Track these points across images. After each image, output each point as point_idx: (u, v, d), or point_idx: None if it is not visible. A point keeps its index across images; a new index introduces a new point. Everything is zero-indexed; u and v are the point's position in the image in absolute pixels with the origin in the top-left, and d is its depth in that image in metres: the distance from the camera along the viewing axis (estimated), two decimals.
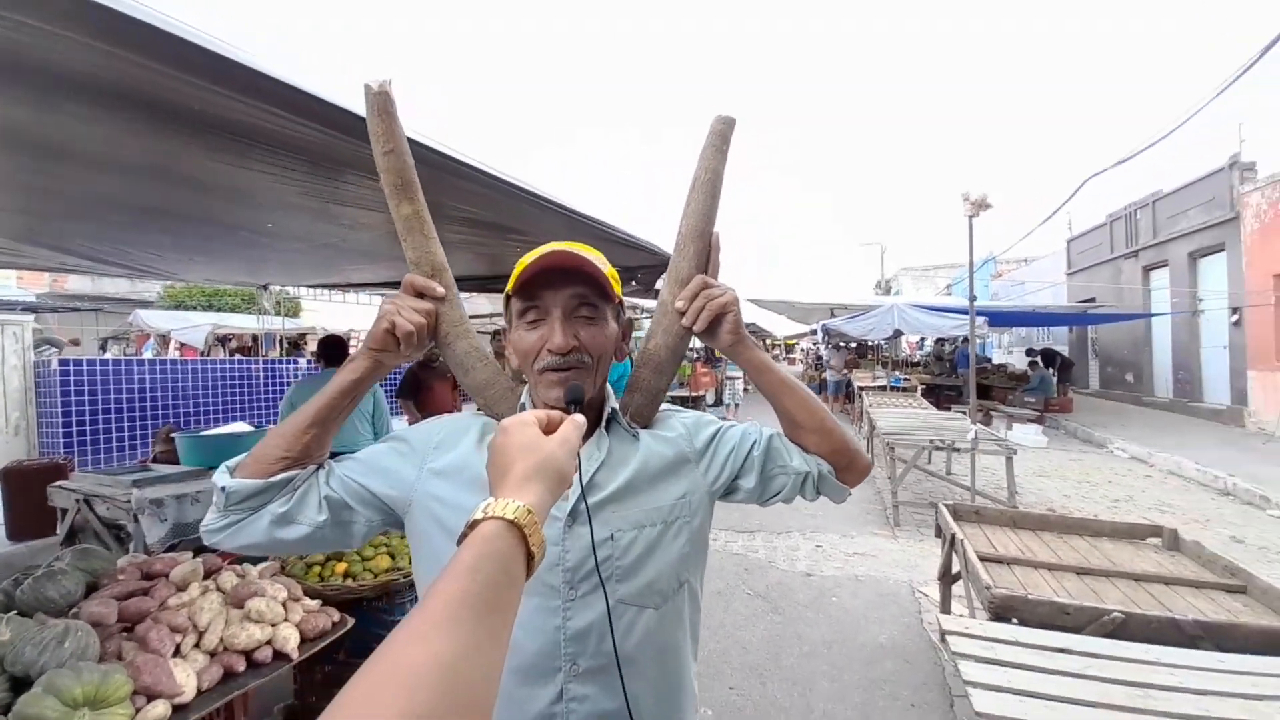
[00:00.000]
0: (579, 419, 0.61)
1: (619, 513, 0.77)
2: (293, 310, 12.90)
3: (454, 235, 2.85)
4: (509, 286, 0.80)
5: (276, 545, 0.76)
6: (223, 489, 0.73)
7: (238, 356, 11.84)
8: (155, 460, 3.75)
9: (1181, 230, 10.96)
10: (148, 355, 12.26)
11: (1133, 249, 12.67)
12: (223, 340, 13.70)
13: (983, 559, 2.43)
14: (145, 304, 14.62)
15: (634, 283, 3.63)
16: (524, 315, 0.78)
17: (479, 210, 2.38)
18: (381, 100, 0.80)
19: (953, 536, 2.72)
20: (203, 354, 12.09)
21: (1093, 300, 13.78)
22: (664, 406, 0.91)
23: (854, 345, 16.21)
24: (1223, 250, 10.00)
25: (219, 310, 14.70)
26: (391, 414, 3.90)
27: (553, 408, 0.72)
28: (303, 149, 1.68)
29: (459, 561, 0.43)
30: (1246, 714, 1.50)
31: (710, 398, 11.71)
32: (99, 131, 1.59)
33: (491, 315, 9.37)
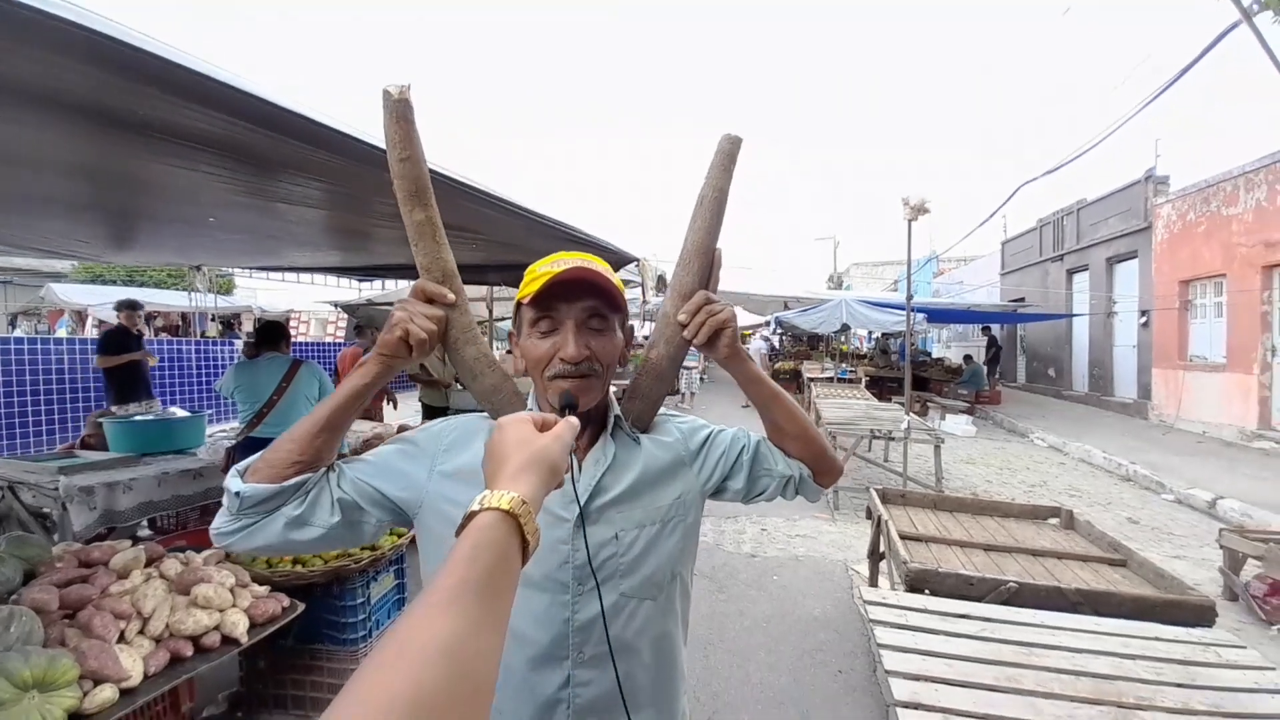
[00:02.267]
0: (573, 420, 0.65)
1: (624, 513, 0.82)
2: (225, 288, 12.23)
3: (385, 231, 2.84)
4: (521, 294, 0.82)
5: (290, 546, 0.78)
6: (236, 494, 0.74)
7: (164, 336, 11.16)
8: (83, 444, 3.59)
9: (1102, 237, 11.85)
10: (62, 333, 11.40)
11: (1058, 253, 13.60)
12: (148, 319, 12.86)
13: (904, 537, 2.66)
14: (58, 276, 13.48)
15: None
16: (537, 324, 0.81)
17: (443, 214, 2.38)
18: (400, 107, 0.79)
19: (879, 518, 2.96)
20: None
21: (1022, 300, 14.74)
22: (660, 411, 0.96)
23: (805, 338, 16.79)
24: (1136, 257, 10.89)
25: (142, 285, 13.73)
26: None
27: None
28: (249, 152, 1.67)
29: (458, 550, 0.45)
30: (1115, 670, 1.73)
31: (682, 385, 11.91)
32: (30, 134, 1.54)
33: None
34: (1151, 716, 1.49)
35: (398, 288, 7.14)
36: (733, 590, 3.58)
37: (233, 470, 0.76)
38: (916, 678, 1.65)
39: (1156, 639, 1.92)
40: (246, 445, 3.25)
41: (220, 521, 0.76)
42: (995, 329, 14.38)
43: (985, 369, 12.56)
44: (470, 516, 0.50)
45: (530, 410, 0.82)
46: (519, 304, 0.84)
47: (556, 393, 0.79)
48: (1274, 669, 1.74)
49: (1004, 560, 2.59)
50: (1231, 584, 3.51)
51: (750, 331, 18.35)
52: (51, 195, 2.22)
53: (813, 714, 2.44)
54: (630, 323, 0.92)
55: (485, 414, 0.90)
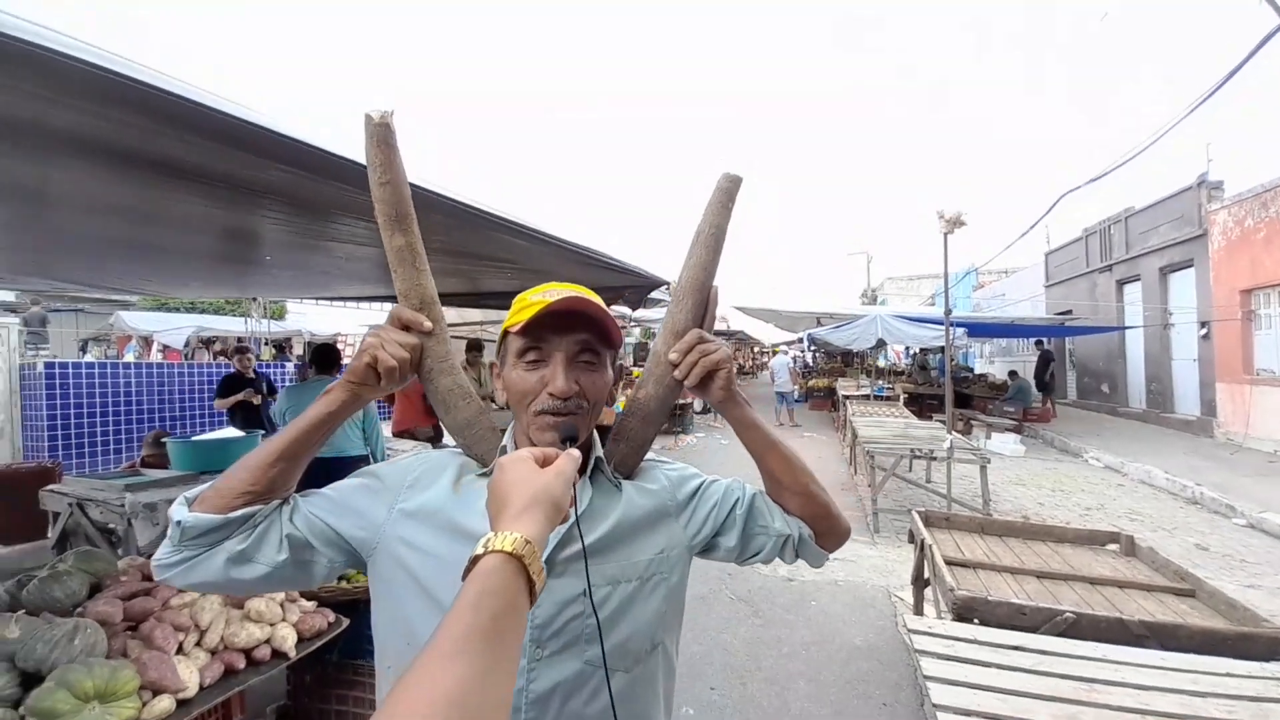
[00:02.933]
0: (574, 453, 0.63)
1: (595, 566, 0.73)
2: (278, 313, 12.86)
3: (433, 264, 2.97)
4: (508, 322, 0.78)
5: (232, 585, 0.71)
6: (178, 523, 0.68)
7: (222, 360, 11.78)
8: (143, 463, 3.79)
9: (1153, 246, 11.32)
10: (129, 358, 12.13)
11: (1107, 263, 13.05)
12: (207, 343, 13.59)
13: (949, 563, 2.56)
14: (126, 304, 14.45)
15: (621, 300, 3.76)
16: (524, 355, 0.76)
17: (459, 241, 2.47)
18: (381, 131, 0.78)
19: (923, 542, 2.85)
20: (185, 357, 11.98)
21: (1069, 312, 14.15)
22: (648, 457, 0.89)
23: (839, 354, 16.48)
24: (1192, 266, 10.35)
25: (202, 312, 14.57)
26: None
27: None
28: (305, 198, 1.78)
29: (463, 598, 0.45)
30: (1183, 709, 1.62)
31: (698, 405, 11.84)
32: (98, 185, 1.68)
33: (482, 323, 9.42)
34: None
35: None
36: (770, 615, 3.50)
37: (180, 498, 0.71)
38: (968, 713, 1.58)
39: (1229, 675, 1.79)
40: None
41: (161, 553, 0.70)
42: (1047, 343, 13.78)
43: (1033, 385, 12.05)
44: (475, 561, 0.49)
45: (504, 447, 0.79)
46: (505, 332, 0.79)
47: (540, 428, 0.74)
48: None
49: (1059, 589, 2.47)
50: None
51: (776, 348, 18.15)
52: (115, 238, 2.41)
53: None
54: (621, 361, 0.87)
55: (454, 450, 0.85)
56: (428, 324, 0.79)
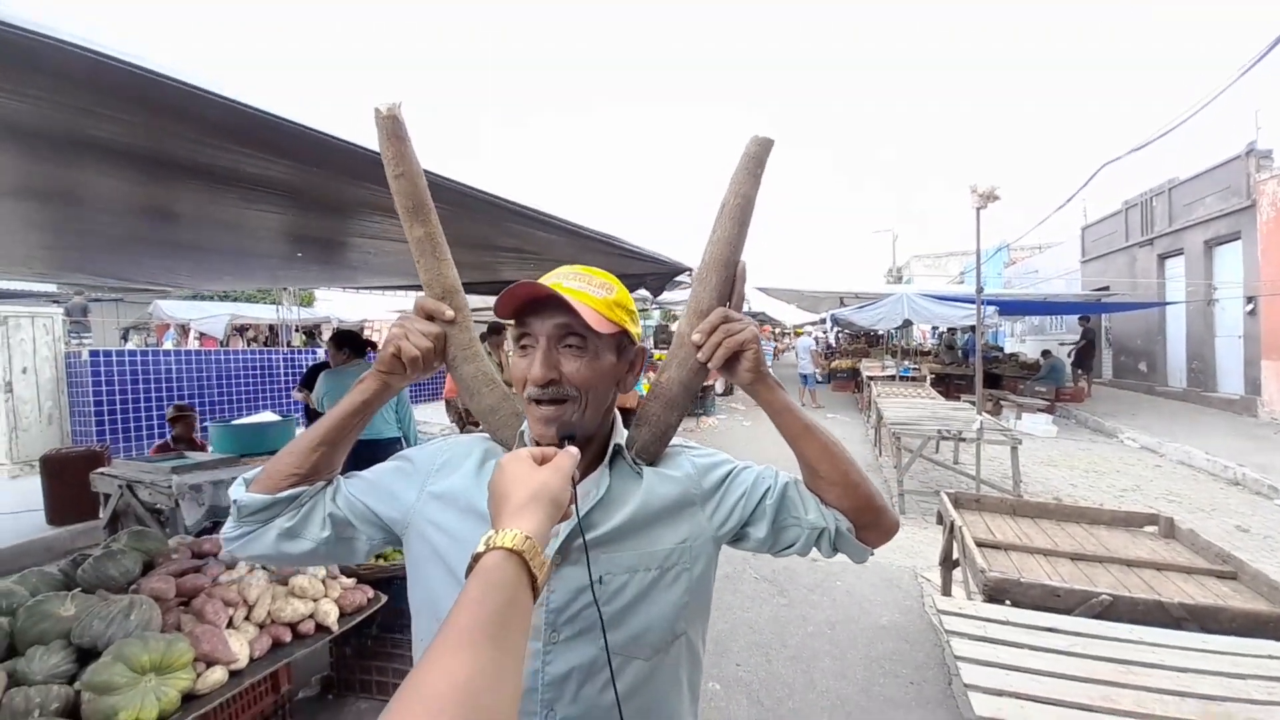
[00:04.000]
0: (573, 450, 0.64)
1: (611, 554, 0.73)
2: (307, 300, 13.15)
3: (462, 255, 2.99)
4: (497, 309, 0.79)
5: (283, 558, 0.78)
6: (235, 501, 0.76)
7: (255, 347, 12.13)
8: (176, 439, 3.95)
9: (1197, 218, 10.81)
10: (168, 345, 12.57)
11: (1148, 237, 12.51)
12: (240, 330, 13.98)
13: (980, 545, 2.53)
14: (164, 294, 14.94)
15: (643, 287, 3.75)
16: (518, 341, 0.76)
17: (479, 235, 2.46)
18: (391, 124, 0.78)
19: (952, 524, 2.82)
20: (222, 344, 12.36)
21: (1107, 288, 13.65)
22: (675, 442, 0.86)
23: (863, 335, 16.23)
24: (1238, 239, 9.86)
25: (235, 300, 14.96)
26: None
27: (547, 444, 0.73)
28: (329, 199, 1.80)
29: (467, 594, 0.46)
30: (1224, 691, 1.59)
31: (720, 387, 11.81)
32: (135, 189, 1.73)
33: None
34: None
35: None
36: (794, 594, 3.51)
37: (239, 479, 0.78)
38: (1000, 693, 1.57)
39: (1271, 657, 1.74)
40: None
41: (226, 527, 0.78)
42: (1089, 320, 13.29)
43: (1068, 364, 11.70)
44: (477, 558, 0.50)
45: (522, 432, 0.80)
46: (507, 320, 0.80)
47: (531, 418, 0.75)
48: None
49: (1094, 571, 2.42)
50: None
51: (799, 330, 17.92)
52: (150, 237, 2.48)
53: None
54: (641, 345, 0.83)
55: (483, 434, 0.86)
56: (450, 313, 0.81)
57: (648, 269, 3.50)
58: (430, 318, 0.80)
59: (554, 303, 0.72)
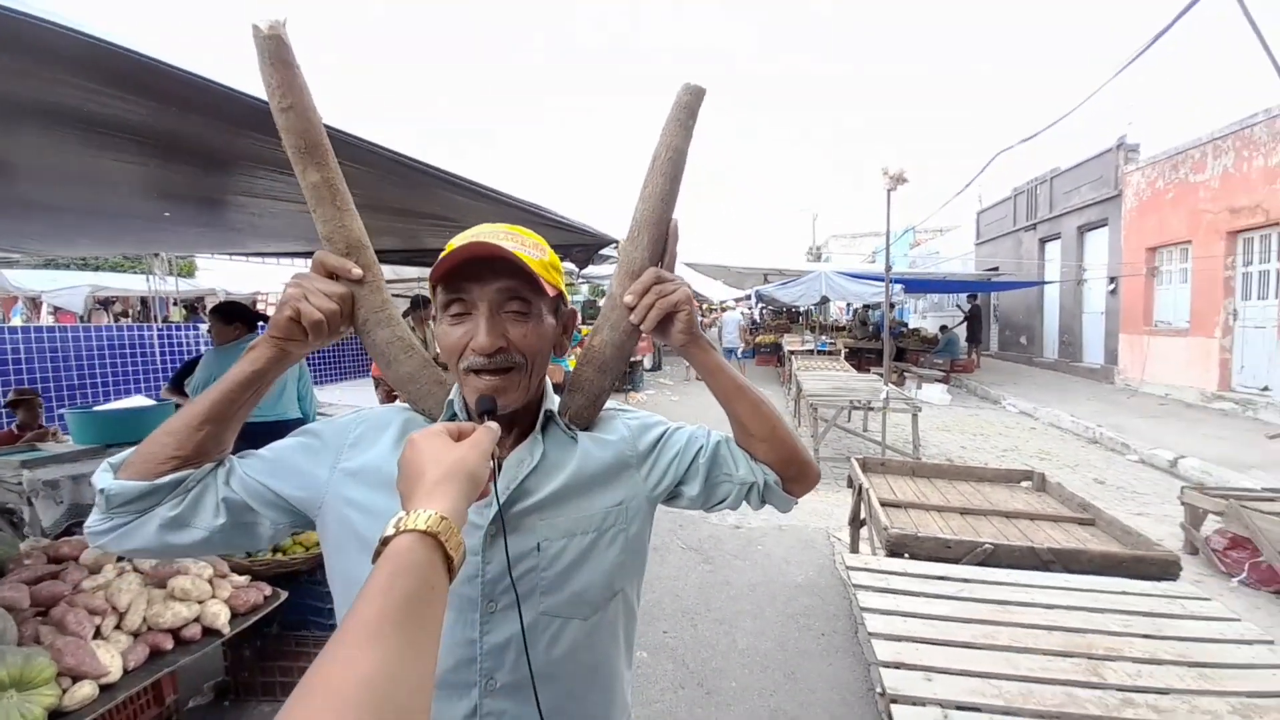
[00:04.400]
0: (492, 425, 0.61)
1: (549, 520, 0.72)
2: (187, 270, 11.80)
3: (366, 224, 2.75)
4: (433, 273, 0.72)
5: (169, 550, 0.69)
6: (102, 490, 0.65)
7: (124, 322, 10.77)
8: (21, 427, 3.49)
9: (1074, 205, 12.04)
10: (17, 321, 10.92)
11: (1031, 222, 13.80)
12: (105, 304, 12.36)
13: (884, 504, 2.72)
14: (9, 263, 12.87)
15: (568, 259, 3.65)
16: (449, 308, 0.70)
17: (396, 198, 2.28)
18: (274, 46, 0.66)
19: (860, 486, 3.02)
20: (82, 319, 10.86)
21: (996, 269, 14.98)
22: (608, 406, 0.85)
23: (785, 311, 16.90)
24: (1106, 225, 11.10)
25: (97, 269, 13.13)
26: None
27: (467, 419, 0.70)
28: (202, 149, 1.58)
29: (374, 581, 0.43)
30: (1086, 624, 1.81)
31: (648, 362, 11.92)
32: None
33: (420, 280, 9.00)
34: (1120, 667, 1.56)
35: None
36: (719, 561, 3.65)
37: (104, 464, 0.68)
38: (898, 638, 1.70)
39: (1124, 593, 2.00)
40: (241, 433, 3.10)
41: (92, 520, 0.67)
42: (977, 298, 14.57)
43: (962, 338, 12.80)
44: (386, 542, 0.46)
45: (450, 401, 0.75)
46: (434, 284, 0.73)
47: (472, 390, 0.70)
48: (1236, 619, 1.83)
49: (979, 523, 2.67)
50: (1192, 539, 3.68)
51: (726, 305, 18.39)
52: None
53: (798, 675, 2.51)
54: (573, 306, 0.81)
55: (401, 405, 0.81)
56: (357, 270, 0.72)
57: (573, 240, 3.40)
58: (334, 276, 0.71)
59: (497, 265, 0.67)
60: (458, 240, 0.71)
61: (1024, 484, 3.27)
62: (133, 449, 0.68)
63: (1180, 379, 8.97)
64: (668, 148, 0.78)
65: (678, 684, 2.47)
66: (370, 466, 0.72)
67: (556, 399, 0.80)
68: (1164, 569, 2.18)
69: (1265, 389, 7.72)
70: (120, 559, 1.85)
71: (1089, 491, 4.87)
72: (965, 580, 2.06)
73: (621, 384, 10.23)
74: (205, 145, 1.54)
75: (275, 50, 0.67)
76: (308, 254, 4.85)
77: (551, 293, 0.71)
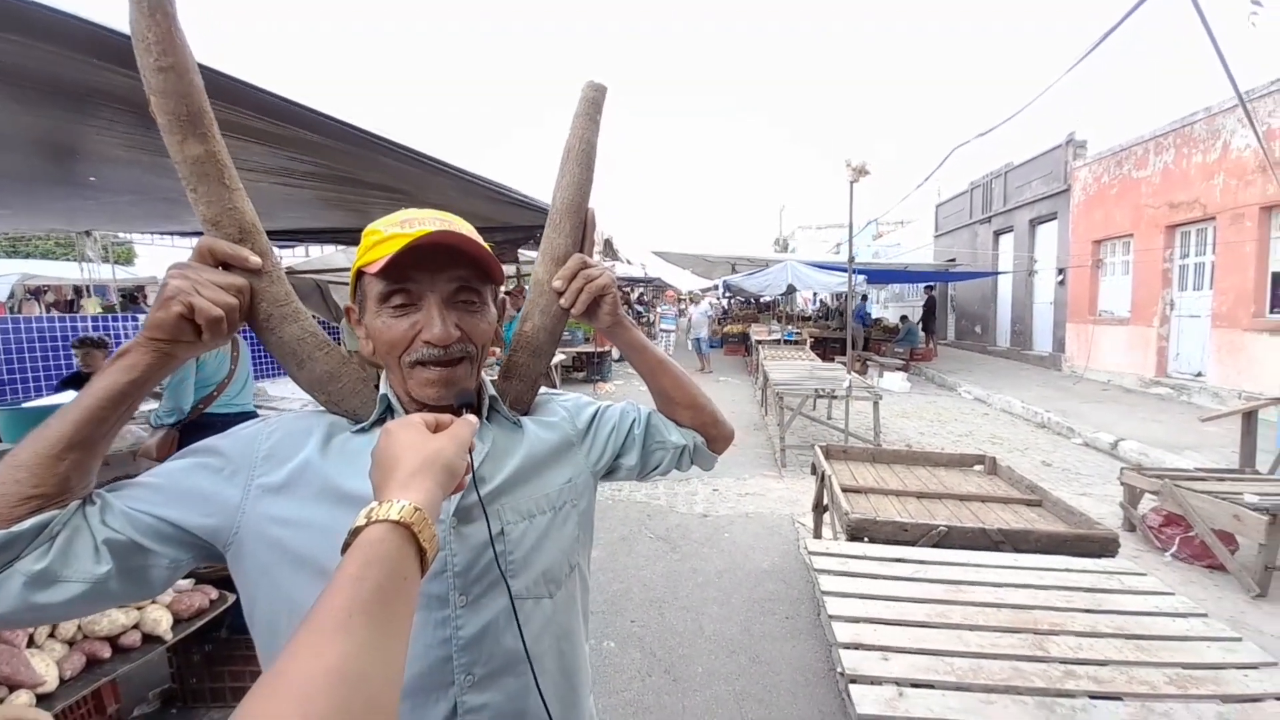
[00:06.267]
0: (472, 419, 0.60)
1: (508, 504, 0.72)
2: (124, 257, 11.16)
3: (308, 191, 2.63)
4: (362, 260, 0.68)
5: (41, 613, 0.55)
6: None
7: (55, 314, 10.13)
8: None
9: (1026, 199, 12.50)
10: None
11: (986, 215, 14.29)
12: (36, 294, 11.62)
13: (845, 490, 2.79)
14: None
15: (532, 242, 3.59)
16: (389, 299, 0.66)
17: (331, 164, 2.19)
18: None
19: (823, 473, 3.08)
20: (11, 310, 10.18)
21: (954, 260, 15.47)
22: (542, 390, 0.88)
23: (753, 301, 17.11)
24: (1055, 218, 11.58)
25: (26, 256, 12.34)
26: None
27: (436, 409, 0.66)
28: (126, 100, 1.47)
29: (343, 571, 0.42)
30: (1031, 600, 1.89)
31: (616, 353, 11.91)
32: None
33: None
34: (1063, 640, 1.64)
35: (323, 254, 6.70)
36: (686, 549, 3.68)
37: None
38: (857, 620, 1.74)
39: (1067, 570, 2.11)
40: (199, 424, 2.84)
41: None
42: (934, 288, 15.05)
43: (919, 327, 13.21)
44: (356, 533, 0.45)
45: (384, 396, 0.71)
46: (360, 273, 0.69)
47: (420, 384, 0.67)
48: (1171, 594, 1.94)
49: (935, 506, 2.77)
50: (1130, 516, 3.90)
51: (693, 296, 18.49)
52: None
53: (762, 658, 2.56)
54: (502, 295, 0.80)
55: (316, 409, 0.74)
56: (255, 259, 0.64)
57: (537, 221, 3.34)
58: (225, 266, 0.63)
59: (446, 253, 0.65)
60: (388, 226, 0.67)
61: (977, 468, 3.40)
62: None
63: (1121, 366, 9.47)
64: (580, 140, 0.83)
65: (645, 672, 2.49)
66: (300, 478, 0.66)
67: (493, 388, 0.80)
68: (1104, 547, 2.30)
69: (1199, 375, 8.22)
70: None
71: (1037, 474, 5.11)
72: (921, 561, 2.13)
73: (590, 374, 10.20)
74: (126, 97, 1.42)
75: (153, 0, 0.58)
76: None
77: (497, 281, 0.73)
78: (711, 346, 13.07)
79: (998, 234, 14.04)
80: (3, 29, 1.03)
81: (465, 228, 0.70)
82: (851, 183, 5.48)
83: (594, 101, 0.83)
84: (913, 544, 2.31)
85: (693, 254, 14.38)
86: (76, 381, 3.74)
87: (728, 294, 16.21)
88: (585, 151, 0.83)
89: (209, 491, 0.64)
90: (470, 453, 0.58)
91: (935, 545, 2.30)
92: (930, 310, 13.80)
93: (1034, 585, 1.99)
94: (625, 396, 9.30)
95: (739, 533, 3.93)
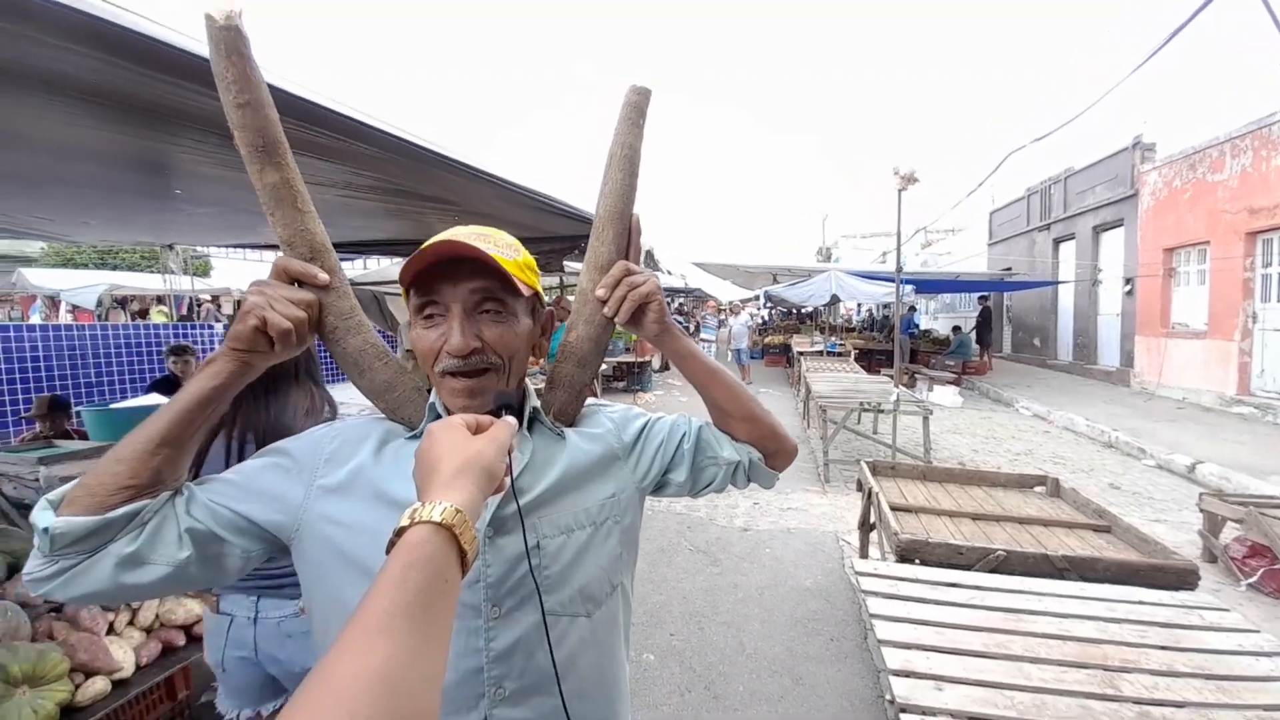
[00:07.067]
0: (510, 420, 0.61)
1: (546, 518, 0.72)
2: (202, 269, 11.97)
3: (369, 203, 2.75)
4: (403, 276, 0.71)
5: (126, 591, 0.62)
6: (45, 530, 0.58)
7: (139, 321, 10.94)
8: (41, 436, 3.50)
9: (1088, 205, 11.87)
10: (35, 319, 11.12)
11: (1045, 222, 13.63)
12: (122, 302, 12.55)
13: (894, 508, 2.69)
14: (28, 261, 13.10)
15: (577, 251, 3.64)
16: (421, 311, 0.69)
17: (388, 177, 2.29)
18: (230, 37, 0.63)
19: (870, 490, 2.99)
20: (99, 318, 11.05)
21: (1009, 269, 14.81)
22: (589, 401, 0.86)
23: (794, 311, 16.81)
24: (1122, 225, 10.94)
25: (115, 268, 13.38)
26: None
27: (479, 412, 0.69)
28: (210, 120, 1.58)
29: (388, 571, 0.43)
30: (1100, 634, 1.78)
31: (656, 362, 11.91)
32: None
33: None
34: (1137, 679, 1.53)
35: (379, 266, 6.99)
36: (726, 564, 3.63)
37: (42, 501, 0.61)
38: (908, 646, 1.68)
39: (1141, 603, 1.97)
40: None
41: (32, 565, 0.60)
42: (988, 299, 14.40)
43: (973, 339, 12.67)
44: (400, 533, 0.46)
45: (432, 405, 0.74)
46: (407, 289, 0.72)
47: (449, 393, 0.70)
48: (1256, 630, 1.79)
49: (991, 529, 2.64)
50: (1211, 546, 3.61)
51: (733, 306, 18.32)
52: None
53: (805, 680, 2.49)
54: (550, 307, 0.82)
55: (376, 415, 0.78)
56: (323, 276, 0.69)
57: (580, 230, 3.39)
58: (297, 282, 0.68)
59: (468, 265, 0.67)
60: (429, 243, 0.71)
61: (1038, 489, 3.23)
62: (73, 482, 0.61)
63: (1198, 382, 8.81)
64: (623, 146, 0.81)
65: (684, 688, 2.46)
66: (353, 481, 0.70)
67: (537, 399, 0.81)
68: (1181, 578, 2.14)
69: None
70: None
71: (1104, 497, 4.80)
72: (977, 587, 2.03)
73: (629, 384, 10.24)
74: (212, 118, 1.54)
75: (231, 42, 0.64)
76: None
77: (526, 292, 0.72)
78: (752, 357, 12.92)
79: (1057, 242, 13.37)
80: (101, 51, 1.12)
81: (501, 240, 0.73)
82: (900, 191, 5.34)
83: (637, 106, 0.81)
84: (968, 568, 2.20)
85: (732, 264, 14.29)
86: (165, 385, 4.06)
87: (768, 304, 16.00)
88: (628, 158, 0.81)
89: (277, 490, 0.69)
90: (509, 455, 0.59)
91: (992, 570, 2.19)
92: (986, 321, 13.21)
93: (1103, 618, 1.87)
94: (665, 408, 9.35)
95: (780, 548, 3.85)
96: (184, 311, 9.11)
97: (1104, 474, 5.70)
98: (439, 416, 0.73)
